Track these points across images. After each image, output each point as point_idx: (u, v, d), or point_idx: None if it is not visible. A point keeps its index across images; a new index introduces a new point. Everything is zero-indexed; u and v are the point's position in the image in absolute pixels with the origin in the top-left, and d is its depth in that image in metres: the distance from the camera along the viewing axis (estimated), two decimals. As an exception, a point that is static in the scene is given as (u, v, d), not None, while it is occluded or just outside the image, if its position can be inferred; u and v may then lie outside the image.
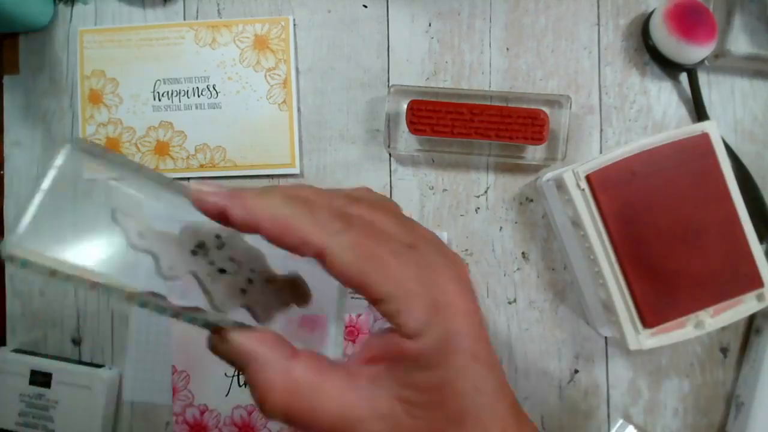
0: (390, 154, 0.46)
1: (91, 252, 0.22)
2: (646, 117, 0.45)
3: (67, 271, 0.20)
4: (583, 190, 0.37)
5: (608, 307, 0.38)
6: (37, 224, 0.20)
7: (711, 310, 0.38)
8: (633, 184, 0.37)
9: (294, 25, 0.47)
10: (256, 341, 0.22)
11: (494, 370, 0.22)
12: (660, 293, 0.37)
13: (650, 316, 0.37)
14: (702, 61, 0.44)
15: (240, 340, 0.22)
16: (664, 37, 0.43)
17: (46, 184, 0.20)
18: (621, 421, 0.44)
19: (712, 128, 0.38)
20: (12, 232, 0.20)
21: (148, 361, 0.46)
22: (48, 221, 0.20)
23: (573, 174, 0.37)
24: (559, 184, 0.39)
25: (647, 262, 0.37)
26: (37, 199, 0.20)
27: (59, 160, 0.21)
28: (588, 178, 0.37)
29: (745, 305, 0.38)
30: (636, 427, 0.44)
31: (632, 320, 0.37)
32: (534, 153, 0.45)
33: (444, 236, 0.45)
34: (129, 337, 0.46)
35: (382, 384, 0.22)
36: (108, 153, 0.22)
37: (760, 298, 0.38)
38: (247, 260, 0.24)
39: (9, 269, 0.48)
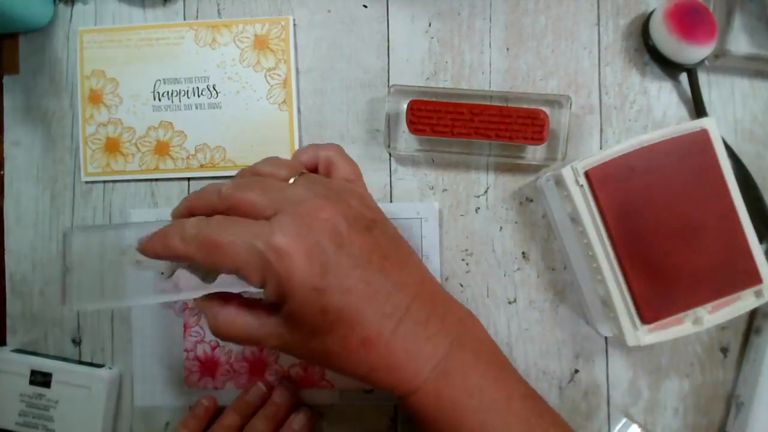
0: (390, 154, 0.46)
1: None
2: (646, 117, 0.45)
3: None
4: (582, 186, 0.37)
5: (607, 304, 0.38)
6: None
7: (709, 306, 0.38)
8: (632, 181, 0.37)
9: (294, 25, 0.47)
10: (207, 301, 0.32)
11: (344, 294, 0.29)
12: (658, 289, 0.37)
13: (648, 312, 0.37)
14: (702, 61, 0.44)
15: (200, 301, 0.33)
16: (664, 37, 0.43)
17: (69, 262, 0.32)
18: (624, 420, 0.44)
19: (711, 125, 0.38)
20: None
21: (155, 365, 0.46)
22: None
23: (572, 170, 0.37)
24: (558, 181, 0.39)
25: (646, 258, 0.37)
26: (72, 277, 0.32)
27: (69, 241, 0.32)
28: (587, 174, 0.37)
29: (744, 301, 0.38)
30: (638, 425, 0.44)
31: (630, 316, 0.37)
32: (534, 153, 0.45)
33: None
34: (134, 342, 0.46)
35: (271, 316, 0.31)
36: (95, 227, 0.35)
37: (758, 294, 0.38)
38: None
39: (9, 268, 0.48)
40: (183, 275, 0.33)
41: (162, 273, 0.33)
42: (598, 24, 0.46)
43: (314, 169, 0.36)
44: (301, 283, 0.28)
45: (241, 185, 0.31)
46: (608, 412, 0.45)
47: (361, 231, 0.30)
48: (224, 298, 0.32)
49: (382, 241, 0.31)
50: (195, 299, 0.33)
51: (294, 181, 0.32)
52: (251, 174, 0.34)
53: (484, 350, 0.32)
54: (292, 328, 0.30)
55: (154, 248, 0.31)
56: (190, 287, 0.33)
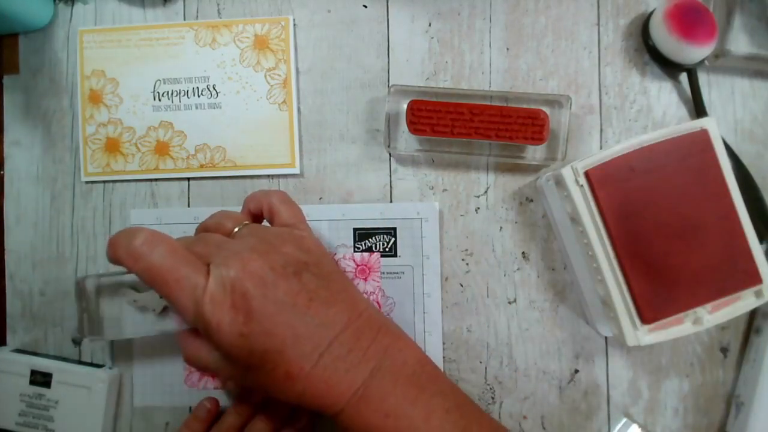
0: (390, 154, 0.46)
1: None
2: (646, 117, 0.45)
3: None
4: (582, 186, 0.37)
5: (606, 304, 0.38)
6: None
7: (709, 306, 0.38)
8: (632, 180, 0.37)
9: (294, 25, 0.47)
10: (183, 333, 0.37)
11: (241, 337, 0.33)
12: (658, 289, 0.37)
13: (648, 312, 0.37)
14: (702, 61, 0.44)
15: (178, 334, 0.38)
16: (664, 37, 0.43)
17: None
18: (624, 419, 0.44)
19: (711, 124, 0.38)
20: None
21: (155, 365, 0.46)
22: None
23: (572, 170, 0.37)
24: (558, 181, 0.39)
25: (646, 258, 0.37)
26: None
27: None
28: (587, 174, 0.37)
29: (744, 301, 0.38)
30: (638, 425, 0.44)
31: (630, 316, 0.37)
32: (534, 153, 0.45)
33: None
34: (134, 342, 0.46)
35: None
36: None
37: (758, 294, 0.38)
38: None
39: (9, 268, 0.48)
40: (172, 312, 0.38)
41: (153, 310, 0.38)
42: (598, 24, 0.46)
43: (262, 215, 0.40)
44: (228, 330, 0.32)
45: (187, 242, 0.36)
46: (608, 412, 0.45)
47: (289, 276, 0.34)
48: (196, 332, 0.36)
49: (311, 283, 0.35)
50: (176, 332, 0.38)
51: (238, 230, 0.37)
52: (202, 229, 0.39)
53: (405, 373, 0.35)
54: (230, 363, 0.34)
55: (107, 252, 0.34)
56: (180, 323, 0.38)
